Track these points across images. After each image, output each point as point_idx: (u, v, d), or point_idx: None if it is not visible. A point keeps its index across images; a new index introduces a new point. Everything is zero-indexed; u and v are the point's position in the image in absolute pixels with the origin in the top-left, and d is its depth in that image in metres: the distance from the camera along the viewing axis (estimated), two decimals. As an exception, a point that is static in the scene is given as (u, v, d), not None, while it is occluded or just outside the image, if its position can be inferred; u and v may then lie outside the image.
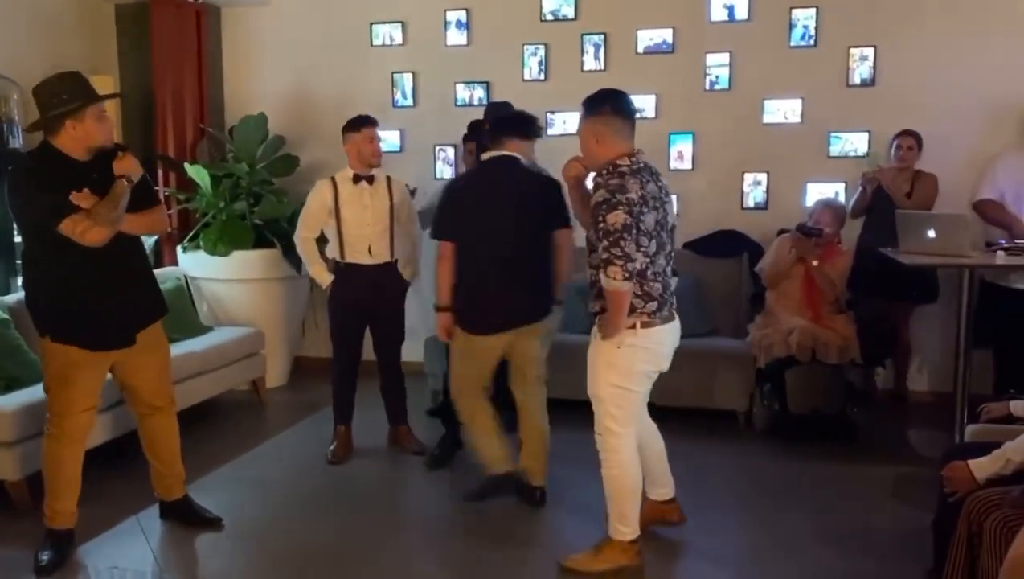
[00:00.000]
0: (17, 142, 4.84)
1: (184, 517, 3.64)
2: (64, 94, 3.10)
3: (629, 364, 3.04)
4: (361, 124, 4.27)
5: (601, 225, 2.88)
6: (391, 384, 4.50)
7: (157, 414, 3.53)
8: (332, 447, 4.39)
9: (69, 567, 3.28)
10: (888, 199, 4.84)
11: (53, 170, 3.12)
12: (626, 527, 3.14)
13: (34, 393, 3.73)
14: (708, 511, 3.71)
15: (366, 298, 4.28)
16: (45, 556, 3.25)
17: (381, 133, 4.43)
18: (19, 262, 4.48)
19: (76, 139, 3.13)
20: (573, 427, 3.68)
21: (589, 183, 3.18)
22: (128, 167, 3.19)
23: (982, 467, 2.64)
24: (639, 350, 3.04)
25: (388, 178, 4.36)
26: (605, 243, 2.87)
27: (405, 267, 4.40)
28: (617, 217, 2.86)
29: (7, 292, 4.68)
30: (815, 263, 4.60)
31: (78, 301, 3.20)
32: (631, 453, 3.13)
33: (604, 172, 2.99)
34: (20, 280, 3.86)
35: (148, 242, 4.24)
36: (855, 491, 3.98)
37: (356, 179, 4.27)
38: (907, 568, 3.19)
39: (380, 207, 4.27)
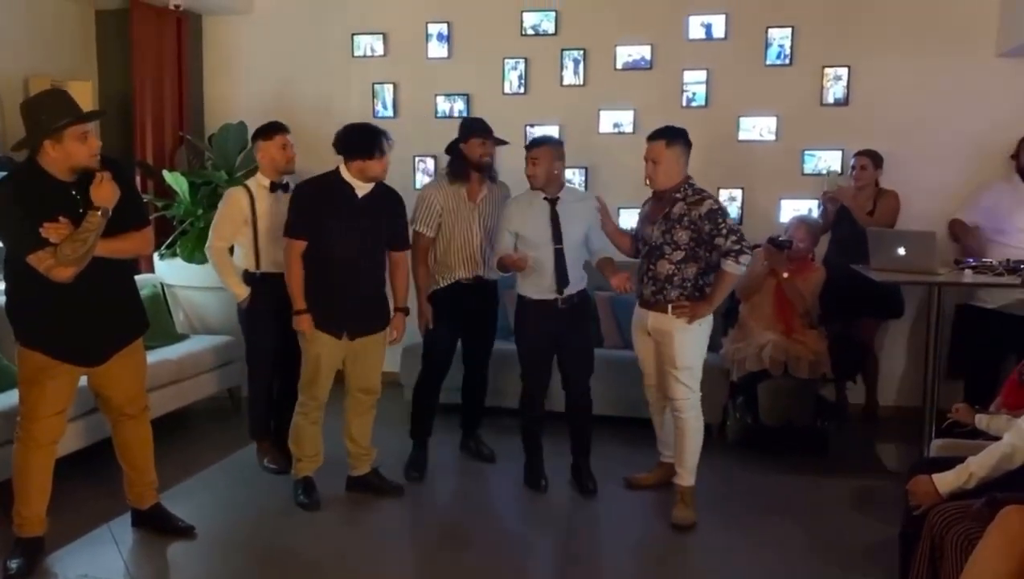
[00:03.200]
0: (-4, 148, 4.81)
1: (156, 525, 3.62)
2: (43, 114, 3.06)
3: (705, 336, 3.83)
4: (273, 131, 4.13)
5: (722, 224, 3.66)
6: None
7: (130, 421, 3.51)
8: (266, 460, 4.34)
9: (38, 575, 3.25)
10: (850, 217, 4.93)
11: (35, 190, 3.09)
12: (694, 474, 3.84)
13: (6, 399, 3.71)
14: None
15: (283, 308, 3.89)
16: (14, 564, 3.22)
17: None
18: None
19: (57, 160, 3.09)
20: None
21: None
22: (102, 195, 3.09)
23: (945, 481, 2.70)
24: (706, 324, 3.82)
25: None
26: (733, 237, 3.64)
27: None
28: (732, 219, 3.77)
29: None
30: (785, 275, 4.66)
31: (54, 316, 3.18)
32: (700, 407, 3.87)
33: (683, 189, 3.76)
34: (1, 286, 3.84)
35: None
36: (824, 503, 4.04)
37: (272, 188, 4.13)
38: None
39: None
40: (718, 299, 3.79)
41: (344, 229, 3.74)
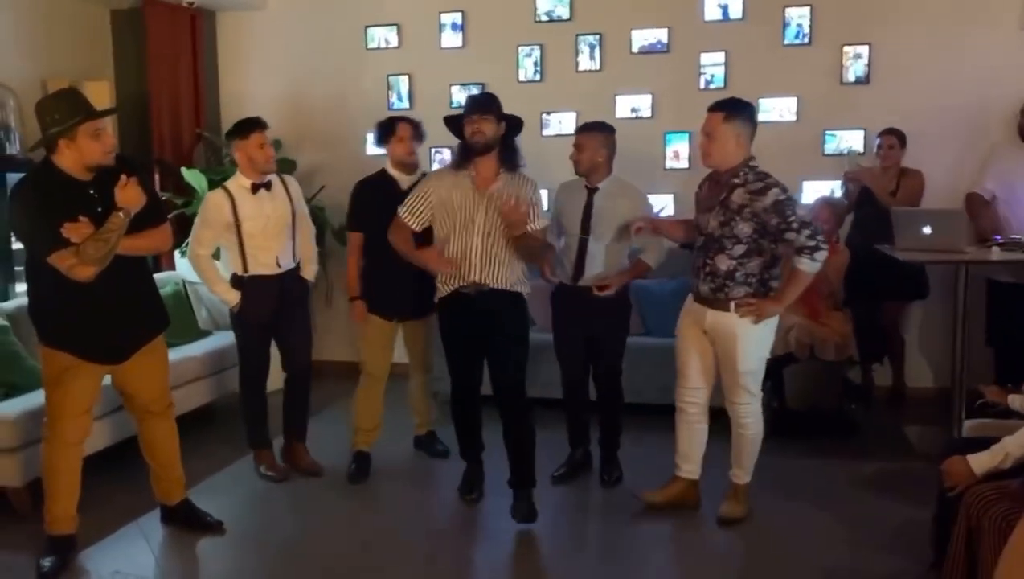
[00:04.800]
0: (14, 148, 4.83)
1: (185, 521, 3.64)
2: (57, 113, 3.07)
3: (770, 334, 3.52)
4: (249, 129, 3.94)
5: (792, 217, 3.28)
6: (298, 397, 4.25)
7: (155, 419, 3.53)
8: (263, 468, 4.20)
9: (71, 573, 3.28)
10: (873, 198, 4.87)
11: (53, 190, 3.10)
12: (750, 471, 3.65)
13: (34, 399, 3.73)
14: (708, 507, 3.72)
15: (274, 309, 4.01)
16: (47, 562, 3.25)
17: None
18: (18, 269, 4.49)
19: (71, 158, 3.09)
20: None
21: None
22: (129, 198, 3.12)
23: (980, 462, 2.65)
24: (770, 323, 3.48)
25: (282, 178, 4.11)
26: (807, 232, 3.26)
27: (307, 266, 4.19)
28: (802, 211, 3.39)
29: (6, 298, 4.67)
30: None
31: (76, 315, 3.19)
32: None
33: (743, 172, 3.37)
34: (19, 287, 3.87)
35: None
36: (852, 486, 4.00)
37: (254, 188, 3.96)
38: (907, 563, 3.21)
39: (281, 214, 4.00)
40: (789, 298, 3.41)
41: (387, 218, 3.79)
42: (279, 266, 4.02)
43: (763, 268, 3.40)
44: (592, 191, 3.85)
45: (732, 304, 3.40)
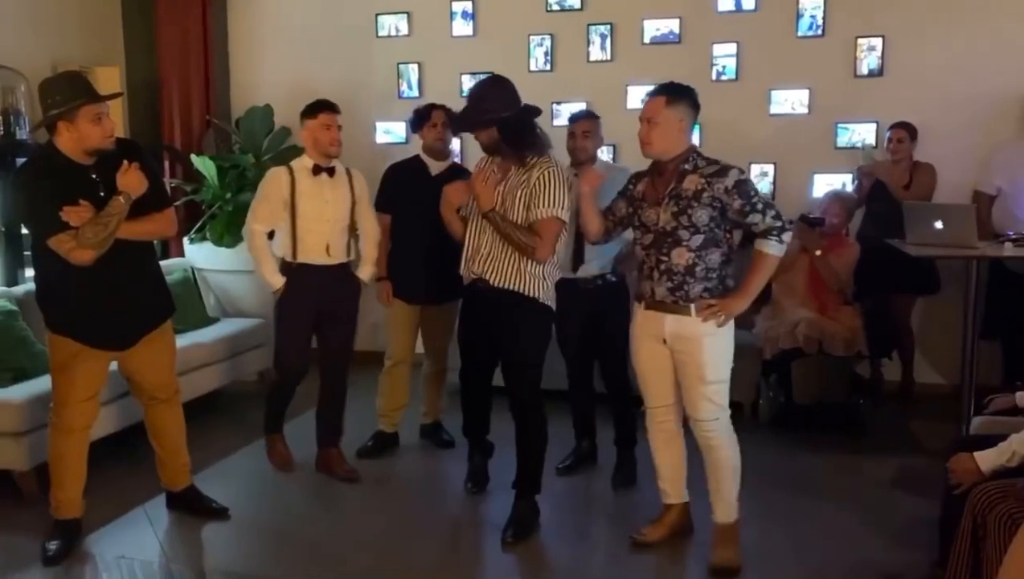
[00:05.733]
0: (24, 133, 4.85)
1: (191, 507, 3.65)
2: (58, 95, 3.06)
3: (732, 339, 3.17)
4: (317, 109, 3.86)
5: (756, 198, 3.03)
6: (332, 401, 4.11)
7: (162, 405, 3.54)
8: (270, 453, 4.19)
9: (77, 556, 3.30)
10: (886, 191, 4.83)
11: (53, 173, 3.09)
12: (735, 505, 3.23)
13: (41, 384, 3.75)
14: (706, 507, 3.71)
15: (317, 302, 3.90)
16: (53, 546, 3.27)
17: (387, 125, 4.40)
18: (26, 254, 4.50)
19: (71, 141, 3.08)
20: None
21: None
22: (130, 183, 3.10)
23: (987, 459, 2.63)
24: (731, 325, 3.14)
25: (348, 171, 4.00)
26: (772, 212, 3.02)
27: (364, 266, 4.08)
28: (761, 192, 3.10)
29: (15, 283, 4.69)
30: (818, 253, 4.58)
31: (82, 301, 3.20)
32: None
33: (692, 158, 3.11)
34: (28, 272, 3.88)
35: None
36: (861, 482, 3.98)
37: (316, 170, 3.87)
38: (913, 559, 3.20)
39: (341, 202, 3.91)
40: (755, 289, 3.07)
41: (416, 204, 3.94)
42: (328, 255, 3.89)
43: (722, 263, 3.09)
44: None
45: (693, 307, 3.06)
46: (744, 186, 3.03)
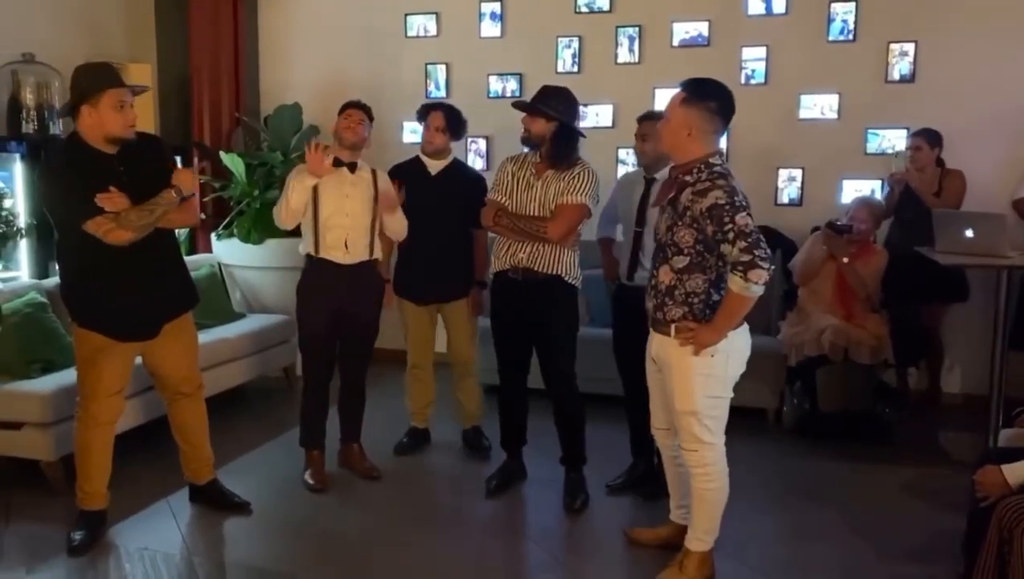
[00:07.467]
0: (57, 128, 4.92)
1: (213, 501, 3.69)
2: (84, 81, 3.14)
3: (724, 370, 2.90)
4: (346, 105, 3.94)
5: (729, 226, 2.70)
6: (352, 400, 4.11)
7: (185, 400, 3.57)
8: (308, 473, 3.97)
9: (101, 547, 3.34)
10: (916, 199, 4.77)
11: (79, 162, 3.15)
12: (711, 537, 3.06)
13: (69, 376, 3.78)
14: (737, 508, 3.62)
15: (338, 301, 3.85)
16: (78, 536, 3.32)
17: (415, 125, 4.40)
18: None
19: (92, 126, 3.14)
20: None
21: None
22: (185, 181, 3.26)
23: (1016, 473, 2.60)
24: (733, 353, 2.90)
25: (374, 171, 3.96)
26: (743, 244, 2.67)
27: (382, 261, 4.06)
28: (747, 220, 2.71)
29: (46, 276, 4.76)
30: (845, 260, 4.54)
31: (106, 292, 3.24)
32: (725, 462, 3.02)
33: (697, 169, 2.84)
34: (57, 265, 3.92)
35: (182, 230, 4.26)
36: (885, 492, 3.93)
37: (336, 162, 3.81)
38: (937, 572, 3.16)
39: (362, 198, 3.86)
40: (724, 326, 2.80)
41: (416, 203, 4.00)
42: (347, 252, 3.84)
43: (709, 288, 2.86)
44: (650, 181, 3.65)
45: (673, 328, 2.89)
46: (718, 212, 2.72)
